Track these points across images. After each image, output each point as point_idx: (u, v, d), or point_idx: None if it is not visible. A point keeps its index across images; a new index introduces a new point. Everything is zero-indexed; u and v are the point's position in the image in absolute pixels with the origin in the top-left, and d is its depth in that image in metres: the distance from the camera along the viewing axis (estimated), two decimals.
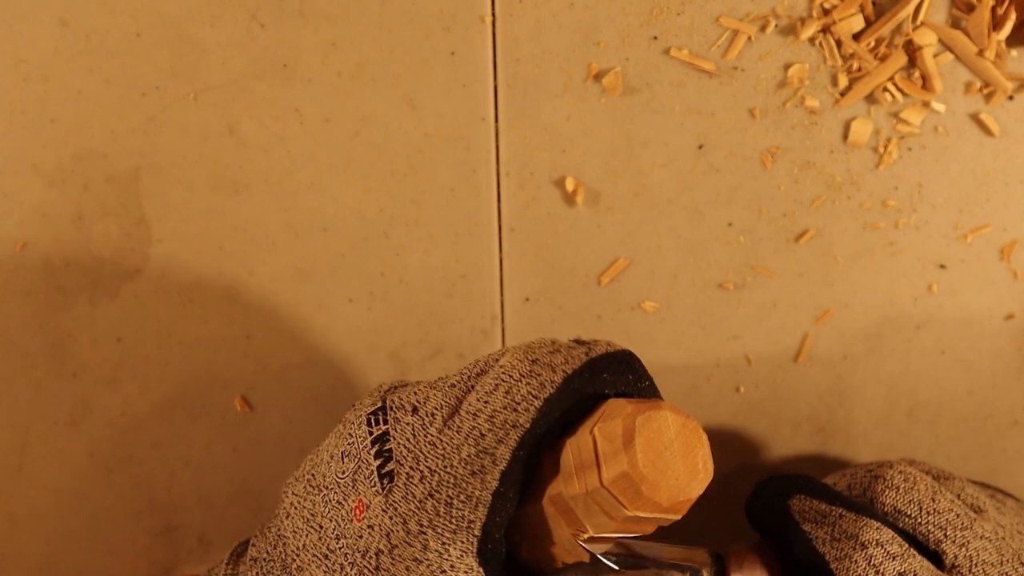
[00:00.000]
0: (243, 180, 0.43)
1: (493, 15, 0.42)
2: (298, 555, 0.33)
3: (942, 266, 0.45)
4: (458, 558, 0.30)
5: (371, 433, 0.33)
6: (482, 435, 0.31)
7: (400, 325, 0.45)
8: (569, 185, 0.43)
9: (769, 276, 0.45)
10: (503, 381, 0.32)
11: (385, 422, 0.33)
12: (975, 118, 0.43)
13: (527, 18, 0.42)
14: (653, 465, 0.29)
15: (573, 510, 0.31)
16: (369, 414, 0.33)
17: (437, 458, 0.31)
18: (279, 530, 0.34)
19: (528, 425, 0.31)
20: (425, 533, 0.31)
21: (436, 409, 0.32)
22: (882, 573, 0.35)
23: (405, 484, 0.31)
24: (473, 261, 0.44)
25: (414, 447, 0.32)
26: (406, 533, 0.31)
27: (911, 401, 0.47)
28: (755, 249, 0.44)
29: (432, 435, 0.32)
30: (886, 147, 0.43)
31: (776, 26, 0.42)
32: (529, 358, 0.32)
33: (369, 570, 0.31)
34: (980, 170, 0.44)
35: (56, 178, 0.42)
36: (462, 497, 0.31)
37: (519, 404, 0.31)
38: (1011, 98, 0.43)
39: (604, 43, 0.42)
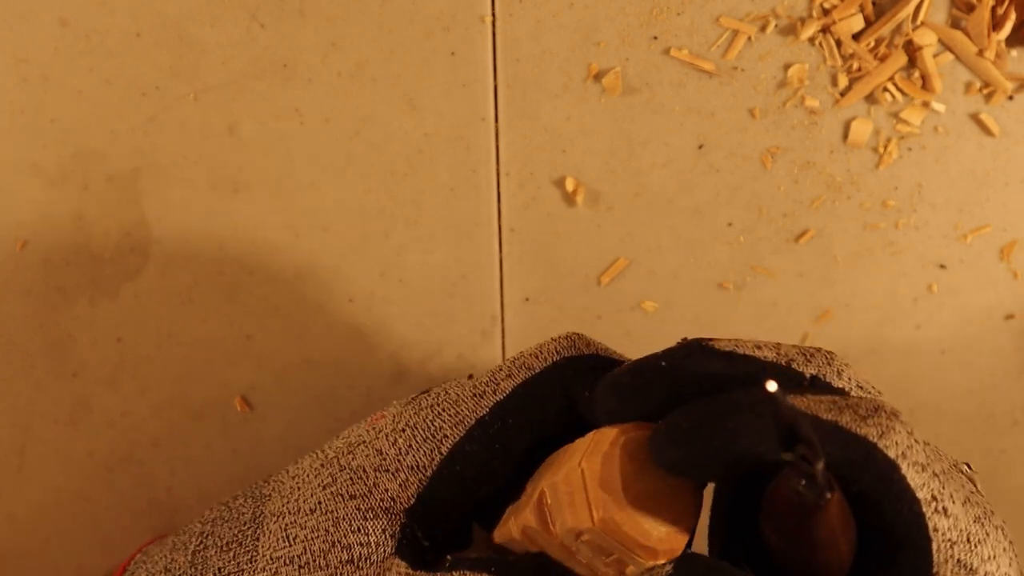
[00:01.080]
0: (243, 180, 0.43)
1: (493, 15, 0.42)
2: (294, 464, 0.33)
3: (942, 266, 0.45)
4: (408, 467, 0.30)
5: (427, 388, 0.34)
6: (499, 369, 0.32)
7: (400, 325, 0.45)
8: (569, 185, 0.43)
9: (769, 276, 0.45)
10: (542, 343, 0.33)
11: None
12: (975, 118, 0.43)
13: (527, 18, 0.42)
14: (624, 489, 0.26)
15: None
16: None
17: (457, 387, 0.32)
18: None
19: (539, 369, 0.31)
20: (404, 431, 0.31)
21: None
22: (917, 440, 0.28)
23: (420, 399, 0.32)
24: (473, 261, 0.44)
25: (446, 385, 0.33)
26: (392, 429, 0.31)
27: (911, 401, 0.47)
28: (755, 249, 0.44)
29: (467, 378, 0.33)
30: (886, 147, 0.43)
31: (776, 26, 0.42)
32: (578, 333, 0.33)
33: (342, 454, 0.32)
34: (980, 170, 0.44)
35: (56, 178, 0.42)
36: (451, 412, 0.31)
37: (541, 354, 0.32)
38: (1011, 98, 0.43)
39: (604, 43, 0.42)
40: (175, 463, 0.45)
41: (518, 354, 0.32)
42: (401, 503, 0.30)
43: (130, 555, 0.36)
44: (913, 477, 0.28)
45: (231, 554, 0.31)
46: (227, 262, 0.44)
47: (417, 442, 0.31)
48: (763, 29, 0.42)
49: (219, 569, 0.31)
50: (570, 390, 0.31)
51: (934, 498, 0.28)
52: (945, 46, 0.42)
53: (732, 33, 0.42)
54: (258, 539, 0.31)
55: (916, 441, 0.28)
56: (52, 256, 0.43)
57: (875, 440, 0.27)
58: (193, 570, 0.32)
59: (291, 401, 0.45)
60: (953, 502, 0.29)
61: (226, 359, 0.44)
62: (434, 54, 0.42)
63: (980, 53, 0.42)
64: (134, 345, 0.44)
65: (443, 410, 0.31)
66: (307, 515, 0.31)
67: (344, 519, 0.30)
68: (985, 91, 0.43)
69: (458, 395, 0.32)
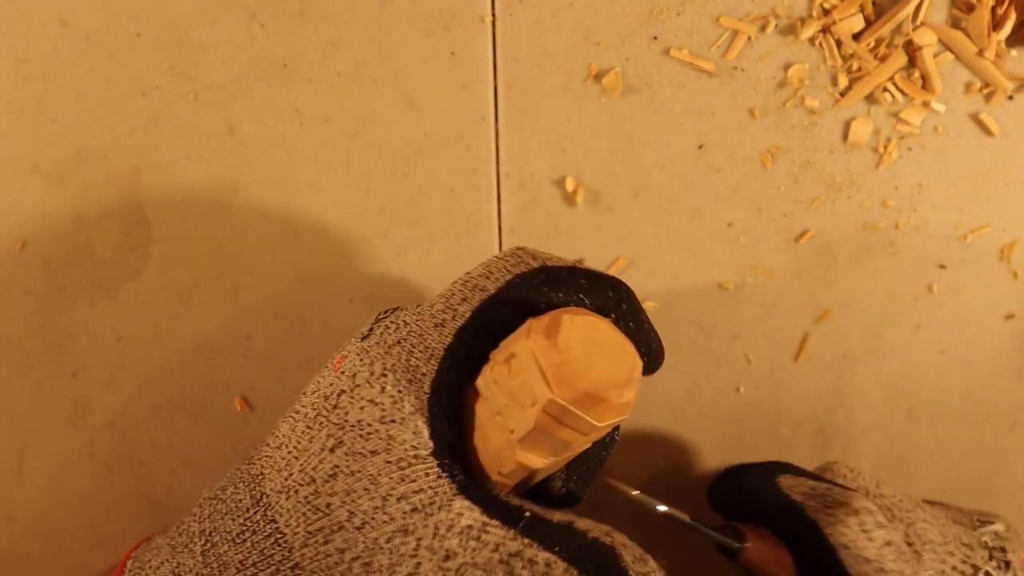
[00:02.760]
0: (243, 180, 0.43)
1: (493, 15, 0.42)
2: (272, 435, 0.33)
3: (942, 266, 0.45)
4: (409, 413, 0.30)
5: (374, 319, 0.34)
6: (452, 294, 0.32)
7: None
8: (569, 185, 0.43)
9: (769, 276, 0.45)
10: (487, 261, 0.33)
11: (389, 314, 0.34)
12: (975, 118, 0.43)
13: (527, 18, 0.42)
14: (576, 348, 0.30)
15: (497, 401, 0.31)
16: (381, 312, 0.34)
17: (413, 315, 0.32)
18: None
19: (493, 291, 0.32)
20: (386, 376, 0.31)
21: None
22: (872, 539, 0.36)
23: (381, 333, 0.32)
24: (473, 261, 0.44)
25: (400, 314, 0.33)
26: (370, 374, 0.31)
27: (911, 401, 0.47)
28: (755, 249, 0.44)
29: (417, 307, 0.33)
30: (886, 147, 0.43)
31: (776, 26, 0.42)
32: (519, 247, 0.33)
33: (326, 410, 0.32)
34: (980, 170, 0.44)
35: (56, 178, 0.42)
36: (422, 347, 0.31)
37: (492, 274, 0.32)
38: (1011, 98, 0.43)
39: (604, 43, 0.42)
40: (175, 463, 0.45)
41: (467, 275, 0.33)
42: (423, 449, 0.30)
43: (119, 565, 0.36)
44: (851, 564, 0.36)
45: (248, 544, 0.31)
46: (227, 262, 0.44)
47: (404, 385, 0.31)
48: (763, 29, 0.42)
49: (241, 562, 0.31)
50: (526, 303, 0.32)
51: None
52: (945, 46, 0.42)
53: (732, 33, 0.42)
54: (274, 521, 0.31)
55: (871, 540, 0.36)
56: (52, 256, 0.43)
57: (824, 527, 0.37)
58: (208, 570, 0.31)
59: (291, 401, 0.45)
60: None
61: (226, 359, 0.44)
62: (434, 54, 0.42)
63: (980, 53, 0.42)
64: (134, 345, 0.44)
65: (413, 346, 0.32)
66: (328, 481, 0.31)
67: (382, 474, 0.30)
68: (985, 91, 0.43)
69: (421, 328, 0.32)
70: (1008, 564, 0.38)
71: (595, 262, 0.44)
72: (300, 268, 0.44)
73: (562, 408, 0.30)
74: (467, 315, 0.32)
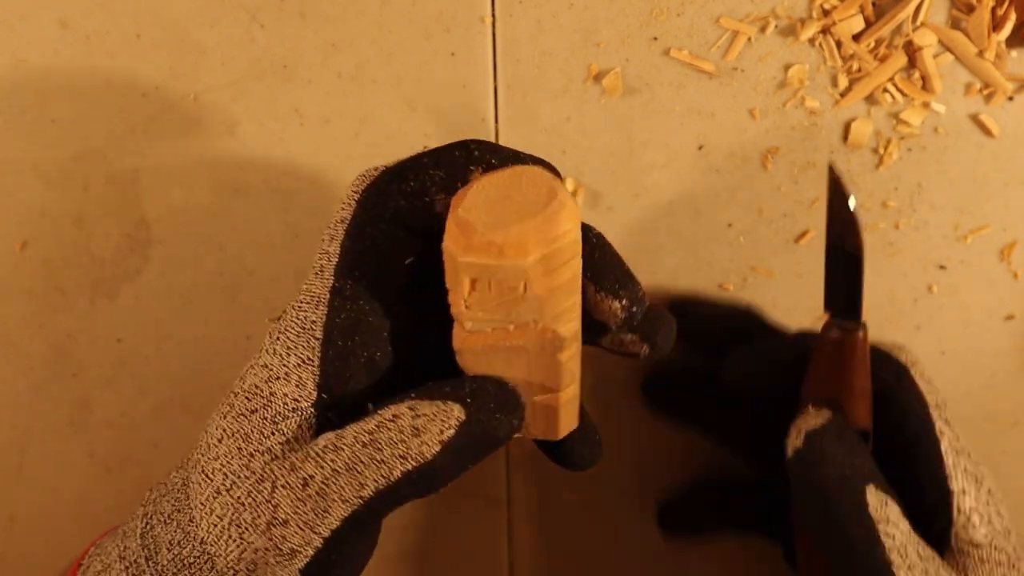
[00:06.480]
0: (243, 180, 0.43)
1: (493, 16, 0.42)
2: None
3: (942, 267, 0.45)
4: (294, 366, 0.30)
5: None
6: (322, 239, 0.32)
7: None
8: (569, 186, 0.43)
9: (769, 276, 0.45)
10: (342, 198, 0.33)
11: None
12: (975, 119, 0.43)
13: (527, 19, 0.42)
14: (478, 212, 0.28)
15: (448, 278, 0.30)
16: None
17: (304, 281, 0.33)
18: None
19: (349, 215, 0.32)
20: (279, 338, 0.31)
21: None
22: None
23: (284, 309, 0.33)
24: None
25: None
26: (269, 343, 0.32)
27: None
28: (755, 250, 0.44)
29: None
30: (886, 148, 0.43)
31: (776, 27, 0.42)
32: (374, 169, 0.33)
33: (236, 382, 0.32)
34: (980, 171, 0.44)
35: (56, 178, 0.43)
36: (307, 298, 0.32)
37: (344, 201, 0.32)
38: (1011, 99, 0.43)
39: (604, 44, 0.42)
40: (175, 463, 0.45)
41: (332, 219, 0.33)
42: (305, 400, 0.30)
43: (83, 550, 0.36)
44: (921, 384, 0.37)
45: (174, 524, 0.31)
46: (227, 262, 0.44)
47: (292, 339, 0.31)
48: (763, 30, 0.42)
49: (170, 543, 0.31)
50: (390, 213, 0.31)
51: (937, 405, 0.37)
52: (945, 47, 0.42)
53: (732, 34, 0.42)
54: (188, 496, 0.31)
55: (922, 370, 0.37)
56: (52, 257, 0.43)
57: (889, 349, 0.38)
58: (146, 551, 0.31)
59: None
60: (950, 423, 0.36)
61: (226, 359, 0.44)
62: (434, 55, 0.42)
63: (980, 54, 0.42)
64: (134, 346, 0.44)
65: (301, 301, 0.32)
66: (215, 446, 0.31)
67: (254, 431, 0.30)
68: (985, 92, 0.43)
69: (306, 285, 0.32)
70: None
71: None
72: (300, 268, 0.44)
73: (473, 266, 0.28)
74: (339, 253, 0.31)
